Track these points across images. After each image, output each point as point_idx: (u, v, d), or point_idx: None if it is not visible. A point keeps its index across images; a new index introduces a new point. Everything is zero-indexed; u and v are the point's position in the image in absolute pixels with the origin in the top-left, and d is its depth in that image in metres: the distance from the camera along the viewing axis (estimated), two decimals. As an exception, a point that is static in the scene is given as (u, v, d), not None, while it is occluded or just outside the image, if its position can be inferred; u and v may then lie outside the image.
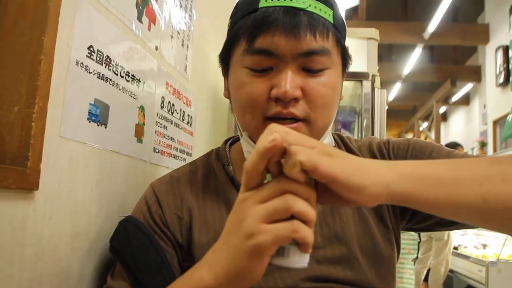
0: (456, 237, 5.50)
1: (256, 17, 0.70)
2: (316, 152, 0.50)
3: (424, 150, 0.81)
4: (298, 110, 0.70)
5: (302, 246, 0.50)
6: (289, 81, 0.68)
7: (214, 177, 0.83)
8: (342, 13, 0.79)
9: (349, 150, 0.86)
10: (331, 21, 0.73)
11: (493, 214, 0.55)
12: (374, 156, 0.84)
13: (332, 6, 0.74)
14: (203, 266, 0.58)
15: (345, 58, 0.78)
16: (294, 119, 0.71)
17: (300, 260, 0.52)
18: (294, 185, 0.50)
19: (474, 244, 5.10)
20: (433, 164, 0.58)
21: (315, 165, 0.48)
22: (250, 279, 0.53)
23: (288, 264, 0.52)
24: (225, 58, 0.79)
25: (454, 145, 5.03)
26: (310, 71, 0.71)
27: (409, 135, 11.96)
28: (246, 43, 0.71)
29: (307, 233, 0.49)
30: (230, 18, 0.79)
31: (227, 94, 0.82)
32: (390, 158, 0.83)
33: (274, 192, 0.51)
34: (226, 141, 0.91)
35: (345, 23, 0.79)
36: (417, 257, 4.66)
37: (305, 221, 0.50)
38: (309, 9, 0.70)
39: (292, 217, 0.50)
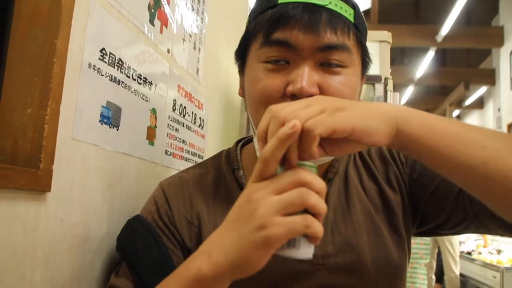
0: (470, 241, 5.43)
1: (274, 13, 0.69)
2: (327, 114, 0.52)
3: None
4: None
5: (312, 239, 0.51)
6: (306, 77, 0.66)
7: (224, 182, 0.81)
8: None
9: (358, 152, 0.84)
10: (352, 20, 0.71)
11: (491, 180, 0.54)
12: (384, 158, 0.83)
13: (353, 5, 0.71)
14: (202, 255, 0.54)
15: (365, 59, 0.76)
16: None
17: (308, 251, 0.52)
18: (309, 177, 0.51)
19: (488, 249, 5.02)
20: (440, 118, 0.59)
21: (333, 128, 0.50)
22: (249, 270, 0.51)
23: (297, 255, 0.51)
24: (242, 54, 0.78)
25: None
26: (328, 67, 0.69)
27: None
28: (263, 37, 0.70)
29: (319, 228, 0.50)
30: (249, 15, 0.78)
31: (242, 93, 0.80)
32: (401, 161, 0.82)
33: (289, 183, 0.50)
34: (238, 142, 0.88)
35: (366, 24, 0.77)
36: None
37: (315, 214, 0.50)
38: (329, 6, 0.68)
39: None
